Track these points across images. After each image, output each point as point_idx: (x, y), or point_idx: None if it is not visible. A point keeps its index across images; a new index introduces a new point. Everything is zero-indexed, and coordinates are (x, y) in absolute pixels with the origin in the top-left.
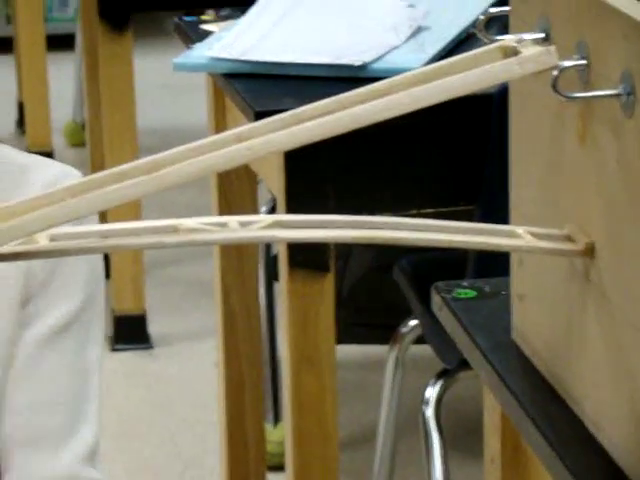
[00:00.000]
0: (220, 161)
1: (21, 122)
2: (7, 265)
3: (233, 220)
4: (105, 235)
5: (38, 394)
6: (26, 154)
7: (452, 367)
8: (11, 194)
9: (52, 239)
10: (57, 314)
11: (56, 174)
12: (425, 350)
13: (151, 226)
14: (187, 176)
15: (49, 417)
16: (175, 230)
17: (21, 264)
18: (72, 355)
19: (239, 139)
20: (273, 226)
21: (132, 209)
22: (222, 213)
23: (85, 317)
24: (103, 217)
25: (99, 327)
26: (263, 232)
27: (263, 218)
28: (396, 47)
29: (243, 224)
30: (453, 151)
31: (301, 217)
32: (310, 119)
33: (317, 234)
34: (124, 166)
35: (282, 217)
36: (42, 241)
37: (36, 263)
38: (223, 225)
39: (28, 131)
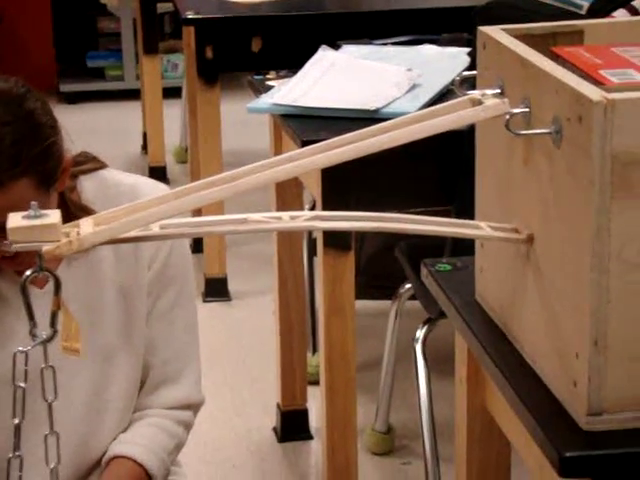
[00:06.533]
0: (277, 175)
1: (145, 146)
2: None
3: (285, 214)
4: (198, 225)
5: (163, 353)
6: (128, 174)
7: (434, 316)
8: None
9: (162, 227)
10: (168, 296)
11: (154, 188)
12: (416, 304)
13: (229, 219)
14: (255, 185)
15: (170, 366)
16: (245, 221)
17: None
18: (182, 319)
19: (291, 160)
20: (313, 219)
21: (219, 206)
22: (279, 209)
23: (185, 294)
24: (199, 212)
25: (193, 297)
26: (306, 223)
27: (306, 213)
28: (398, 98)
29: (292, 217)
30: (437, 169)
31: (332, 213)
32: (339, 147)
33: (343, 225)
34: (212, 177)
35: (320, 213)
36: (155, 229)
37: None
38: (278, 218)
39: (149, 152)
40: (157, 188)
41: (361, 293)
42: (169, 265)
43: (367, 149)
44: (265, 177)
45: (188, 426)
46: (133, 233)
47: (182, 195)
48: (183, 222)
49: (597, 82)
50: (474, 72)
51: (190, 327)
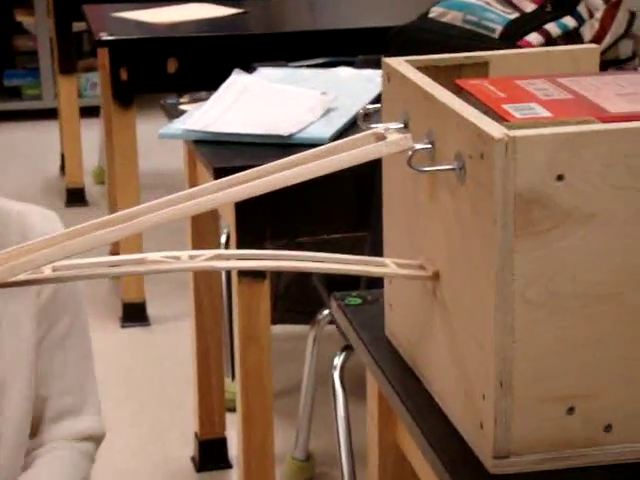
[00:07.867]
0: (176, 213)
1: (63, 167)
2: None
3: (185, 254)
4: (93, 266)
5: (59, 383)
6: (16, 202)
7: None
8: (17, 234)
9: (55, 269)
10: (60, 325)
11: (43, 218)
12: (334, 330)
13: (127, 259)
14: (152, 224)
15: (69, 397)
16: (143, 261)
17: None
18: (77, 349)
19: (191, 197)
20: (213, 259)
21: (137, 238)
22: (194, 241)
23: (78, 324)
24: (117, 245)
25: (87, 328)
26: (204, 263)
27: (207, 252)
28: (313, 122)
29: (191, 257)
30: (354, 196)
31: (234, 252)
32: (244, 182)
33: (242, 264)
34: (109, 216)
35: (220, 252)
36: (47, 271)
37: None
38: (177, 258)
39: (67, 173)
40: (46, 217)
41: (281, 318)
42: (59, 292)
43: (270, 186)
44: (162, 216)
45: (91, 460)
46: (23, 276)
47: (75, 235)
48: (76, 263)
49: (500, 117)
50: (378, 105)
51: (86, 359)
